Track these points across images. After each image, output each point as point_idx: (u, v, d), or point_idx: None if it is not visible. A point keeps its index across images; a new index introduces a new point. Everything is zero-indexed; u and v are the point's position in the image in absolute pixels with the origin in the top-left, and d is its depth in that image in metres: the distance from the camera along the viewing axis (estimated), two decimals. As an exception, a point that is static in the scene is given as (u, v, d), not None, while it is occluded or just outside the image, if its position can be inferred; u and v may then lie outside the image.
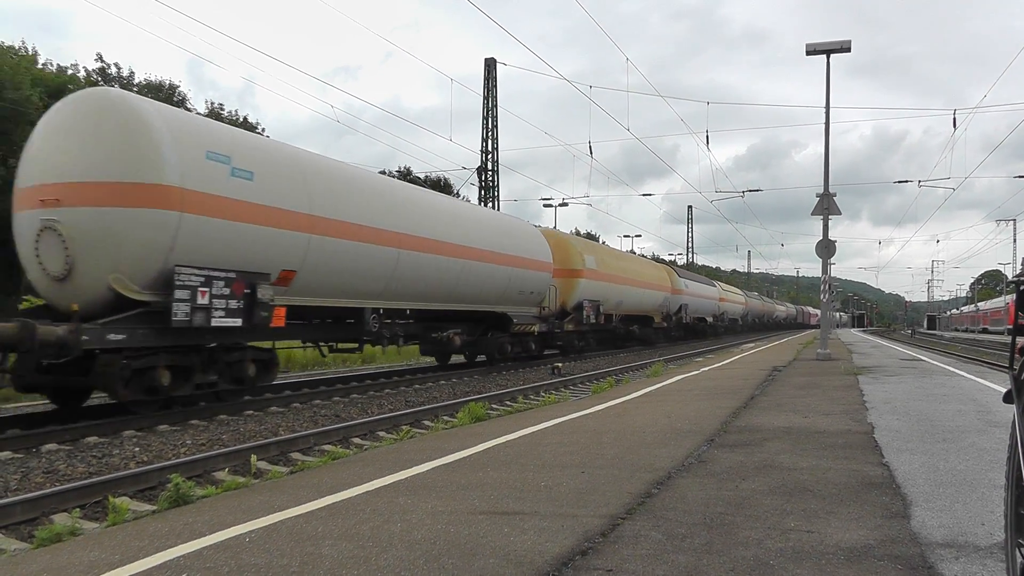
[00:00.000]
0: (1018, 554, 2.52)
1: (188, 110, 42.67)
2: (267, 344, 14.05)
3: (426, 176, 53.21)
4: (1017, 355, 2.65)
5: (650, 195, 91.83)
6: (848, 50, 21.05)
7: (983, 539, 3.99)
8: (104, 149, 10.92)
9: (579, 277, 28.23)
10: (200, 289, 11.39)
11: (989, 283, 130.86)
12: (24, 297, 13.22)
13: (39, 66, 35.75)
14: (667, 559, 3.69)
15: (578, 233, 71.13)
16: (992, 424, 8.24)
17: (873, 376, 15.39)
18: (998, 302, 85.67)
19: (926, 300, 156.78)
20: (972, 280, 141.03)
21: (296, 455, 9.59)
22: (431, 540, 4.06)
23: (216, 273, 11.70)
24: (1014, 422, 2.57)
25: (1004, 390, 2.73)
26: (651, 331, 40.35)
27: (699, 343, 47.48)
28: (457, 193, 47.09)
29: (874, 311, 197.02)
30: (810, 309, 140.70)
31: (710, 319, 55.94)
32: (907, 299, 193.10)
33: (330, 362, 25.03)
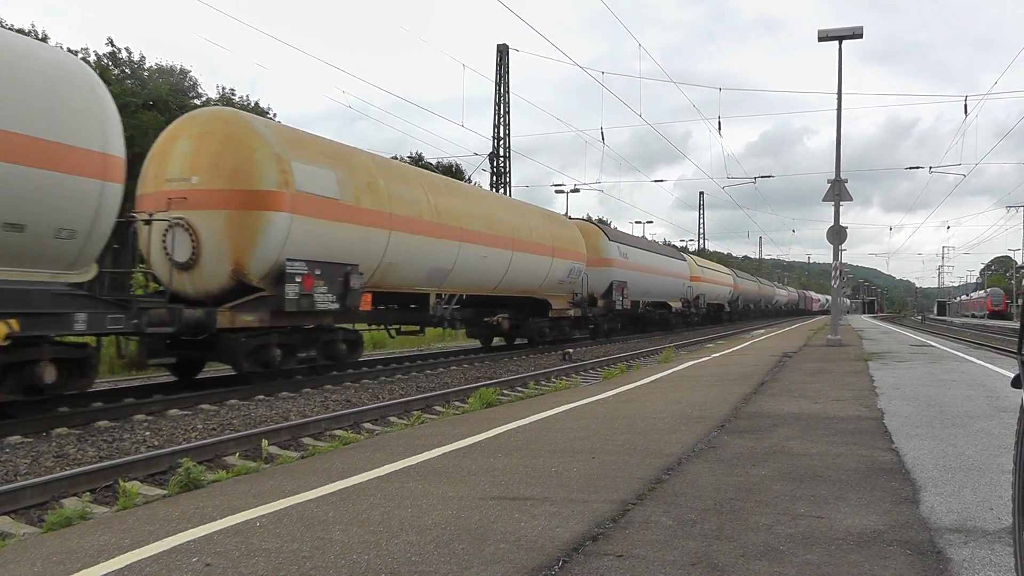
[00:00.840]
0: None
1: (199, 95, 42.75)
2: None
3: (438, 162, 53.20)
4: None
5: (662, 181, 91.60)
6: (860, 36, 20.93)
7: (992, 524, 3.99)
8: None
9: (272, 210, 12.98)
10: None
11: (999, 269, 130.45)
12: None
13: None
14: (677, 544, 3.69)
15: (590, 219, 69.45)
16: (1001, 409, 8.21)
17: (883, 362, 15.36)
18: (980, 293, 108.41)
19: (936, 286, 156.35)
20: (982, 266, 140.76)
21: (307, 440, 9.62)
22: (442, 525, 4.08)
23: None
24: (1022, 407, 2.57)
25: (1013, 375, 2.72)
26: (544, 323, 24.86)
27: (646, 342, 31.47)
28: (469, 179, 47.07)
29: (884, 297, 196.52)
30: (812, 294, 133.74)
31: (677, 304, 41.79)
32: (917, 285, 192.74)
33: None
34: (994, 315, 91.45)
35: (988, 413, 8.02)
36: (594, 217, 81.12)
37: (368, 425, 10.71)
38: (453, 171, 51.16)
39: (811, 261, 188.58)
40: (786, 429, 7.08)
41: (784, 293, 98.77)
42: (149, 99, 38.23)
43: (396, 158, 33.27)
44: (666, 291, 39.26)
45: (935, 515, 4.17)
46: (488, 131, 42.81)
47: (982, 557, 3.48)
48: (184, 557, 3.66)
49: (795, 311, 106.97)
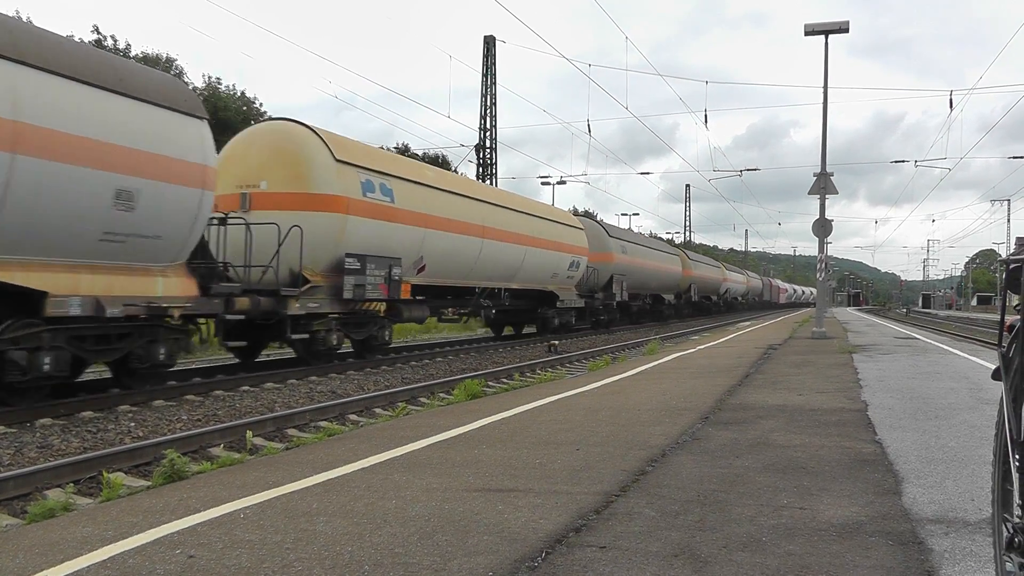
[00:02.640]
0: (1004, 528, 2.54)
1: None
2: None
3: (424, 153, 53.06)
4: (1005, 332, 2.66)
5: (648, 174, 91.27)
6: (846, 31, 20.98)
7: (973, 514, 4.02)
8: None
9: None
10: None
11: (983, 263, 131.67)
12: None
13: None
14: (660, 536, 3.71)
15: (576, 212, 69.22)
16: (983, 401, 8.28)
17: (868, 354, 15.43)
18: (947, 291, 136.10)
19: (921, 279, 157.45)
20: (967, 259, 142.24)
21: (292, 431, 9.61)
22: (425, 517, 4.08)
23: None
24: (1002, 398, 2.59)
25: (994, 367, 2.75)
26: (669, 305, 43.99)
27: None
28: (455, 170, 47.06)
29: (870, 290, 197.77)
30: (779, 283, 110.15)
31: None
32: (903, 278, 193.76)
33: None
34: (949, 307, 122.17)
35: (971, 405, 8.08)
36: (580, 209, 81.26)
37: (353, 416, 10.70)
38: (440, 162, 51.06)
39: (797, 254, 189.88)
40: (770, 421, 7.11)
41: (741, 279, 71.58)
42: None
43: (382, 148, 33.44)
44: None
45: (917, 506, 4.20)
46: (475, 123, 42.80)
47: (963, 547, 3.51)
48: (167, 549, 3.65)
49: (756, 304, 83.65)
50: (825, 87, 21.92)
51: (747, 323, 40.02)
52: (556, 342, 22.66)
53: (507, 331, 29.01)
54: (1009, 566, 2.40)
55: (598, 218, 64.10)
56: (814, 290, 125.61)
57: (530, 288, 25.19)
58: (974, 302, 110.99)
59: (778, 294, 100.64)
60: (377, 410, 11.24)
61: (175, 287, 11.80)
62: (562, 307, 27.43)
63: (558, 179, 53.70)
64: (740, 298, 71.94)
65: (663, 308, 43.37)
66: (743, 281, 72.38)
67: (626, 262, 34.73)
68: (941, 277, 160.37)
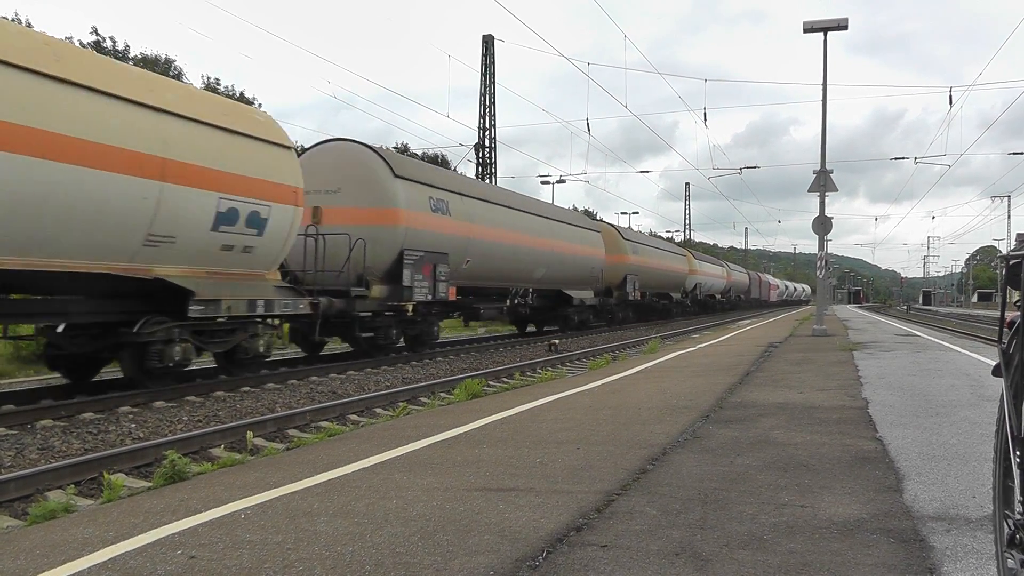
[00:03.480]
0: (1005, 525, 2.54)
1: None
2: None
3: (423, 152, 53.11)
4: (1006, 329, 2.66)
5: (648, 172, 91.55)
6: (845, 28, 20.98)
7: (974, 511, 4.02)
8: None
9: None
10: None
11: (984, 259, 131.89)
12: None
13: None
14: (661, 534, 3.70)
15: (574, 210, 68.79)
16: (984, 398, 8.28)
17: (868, 351, 15.43)
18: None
19: (922, 276, 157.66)
20: (967, 256, 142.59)
21: (293, 431, 9.61)
22: (426, 517, 4.07)
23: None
24: (1002, 395, 2.59)
25: (995, 363, 2.75)
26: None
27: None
28: (455, 169, 47.07)
29: (870, 287, 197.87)
30: (770, 278, 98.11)
31: None
32: (903, 275, 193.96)
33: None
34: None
35: (972, 402, 8.08)
36: (580, 207, 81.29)
37: (354, 416, 10.70)
38: (439, 161, 51.10)
39: (797, 252, 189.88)
40: (771, 419, 7.11)
41: (718, 273, 58.08)
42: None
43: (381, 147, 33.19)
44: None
45: (918, 503, 4.19)
46: (474, 122, 42.83)
47: (964, 544, 3.51)
48: (168, 550, 3.65)
49: (741, 303, 71.59)
50: (824, 84, 21.96)
51: (747, 321, 40.03)
52: (556, 341, 22.63)
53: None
54: (1011, 563, 2.40)
55: (599, 218, 63.62)
56: (807, 287, 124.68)
57: (58, 268, 9.89)
58: (974, 299, 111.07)
59: (769, 291, 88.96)
60: (378, 410, 11.23)
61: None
62: (202, 314, 11.91)
63: (558, 178, 53.66)
64: (719, 296, 59.82)
65: (569, 312, 28.99)
66: (721, 275, 59.06)
67: (449, 230, 19.40)
68: (942, 274, 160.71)
